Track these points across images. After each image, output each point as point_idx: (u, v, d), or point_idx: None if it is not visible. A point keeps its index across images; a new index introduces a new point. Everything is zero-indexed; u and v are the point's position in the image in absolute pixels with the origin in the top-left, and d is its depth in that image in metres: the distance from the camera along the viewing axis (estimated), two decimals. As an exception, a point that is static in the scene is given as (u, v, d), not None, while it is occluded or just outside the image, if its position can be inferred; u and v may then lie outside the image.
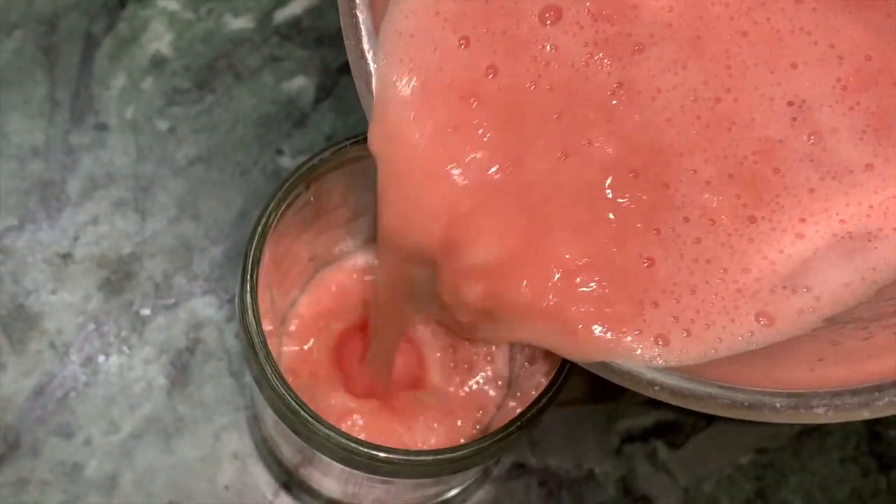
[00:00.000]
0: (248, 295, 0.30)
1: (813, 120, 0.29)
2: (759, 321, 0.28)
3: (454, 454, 0.30)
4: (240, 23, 0.47)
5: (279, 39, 0.47)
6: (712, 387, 0.27)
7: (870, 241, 0.28)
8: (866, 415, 0.25)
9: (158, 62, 0.47)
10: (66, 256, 0.44)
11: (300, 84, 0.47)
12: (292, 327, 0.36)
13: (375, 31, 0.29)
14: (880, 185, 0.28)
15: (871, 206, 0.28)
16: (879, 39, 0.29)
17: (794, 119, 0.29)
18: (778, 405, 0.26)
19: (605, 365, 0.28)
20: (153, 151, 0.46)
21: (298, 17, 0.48)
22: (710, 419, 0.44)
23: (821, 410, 0.26)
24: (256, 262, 0.30)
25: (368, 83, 0.29)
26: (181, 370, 0.43)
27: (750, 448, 0.44)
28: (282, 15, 0.48)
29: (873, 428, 0.44)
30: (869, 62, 0.29)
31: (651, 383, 0.27)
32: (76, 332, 0.43)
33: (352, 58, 0.30)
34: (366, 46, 0.29)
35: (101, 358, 0.43)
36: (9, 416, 0.42)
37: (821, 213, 0.28)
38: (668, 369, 0.28)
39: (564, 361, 0.31)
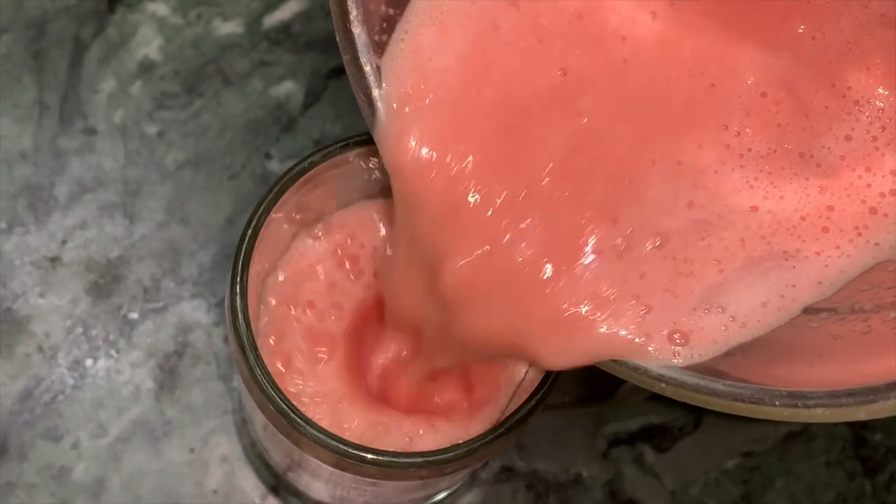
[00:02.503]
0: (238, 298, 0.30)
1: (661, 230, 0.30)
2: (672, 338, 0.29)
3: (442, 456, 0.30)
4: (229, 28, 0.48)
5: (268, 44, 0.47)
6: (717, 383, 0.27)
7: (786, 260, 0.29)
8: (863, 416, 0.26)
9: (147, 67, 0.47)
10: (55, 260, 0.44)
11: (289, 89, 0.47)
12: (274, 291, 0.35)
13: (371, 44, 0.30)
14: (771, 220, 0.29)
15: (763, 237, 0.29)
16: (793, 70, 0.30)
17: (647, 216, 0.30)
18: (778, 403, 0.26)
19: (615, 361, 0.29)
20: (141, 155, 0.46)
21: (287, 22, 0.48)
22: (697, 423, 0.44)
23: (819, 411, 0.26)
24: (246, 266, 0.30)
25: (368, 95, 0.30)
26: (169, 374, 0.43)
27: (736, 452, 0.44)
28: (271, 20, 0.48)
29: (859, 432, 0.45)
30: (764, 99, 0.30)
31: (659, 379, 0.28)
32: (64, 336, 0.43)
33: (350, 71, 0.30)
34: (363, 60, 0.30)
35: (89, 361, 0.43)
36: (-4, 419, 0.42)
37: (701, 264, 0.29)
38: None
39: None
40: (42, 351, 0.43)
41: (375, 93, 0.30)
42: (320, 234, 0.34)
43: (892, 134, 0.30)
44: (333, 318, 0.34)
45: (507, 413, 0.31)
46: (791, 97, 0.30)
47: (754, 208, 0.30)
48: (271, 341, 0.33)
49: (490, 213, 0.29)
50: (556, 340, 0.29)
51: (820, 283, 0.29)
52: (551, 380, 0.31)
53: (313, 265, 0.34)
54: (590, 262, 0.29)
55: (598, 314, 0.29)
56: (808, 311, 0.29)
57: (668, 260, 0.29)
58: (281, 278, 0.34)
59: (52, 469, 0.42)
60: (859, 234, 0.30)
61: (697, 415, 0.44)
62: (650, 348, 0.28)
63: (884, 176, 0.30)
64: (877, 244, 0.29)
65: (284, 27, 0.48)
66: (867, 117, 0.31)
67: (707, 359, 0.29)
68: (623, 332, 0.29)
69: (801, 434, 0.44)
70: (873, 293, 0.29)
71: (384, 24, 0.30)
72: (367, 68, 0.30)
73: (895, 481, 0.44)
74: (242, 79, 0.47)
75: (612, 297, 0.29)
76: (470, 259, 0.29)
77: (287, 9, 0.48)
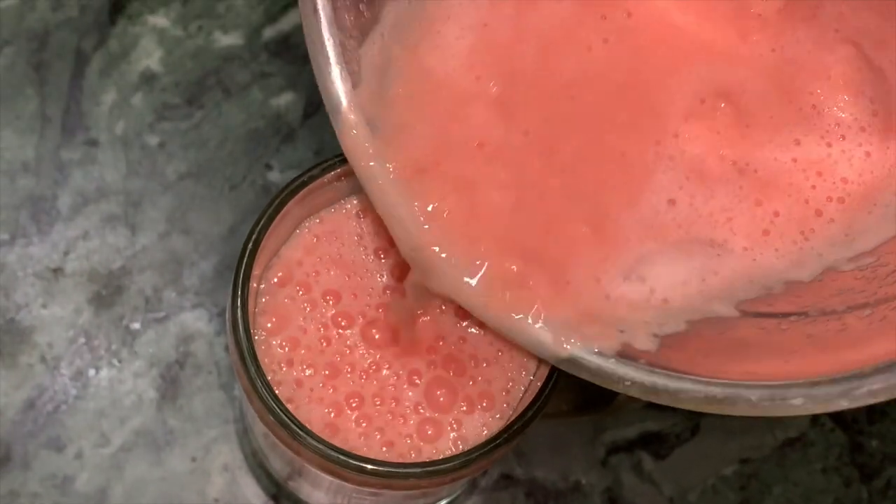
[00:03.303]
0: (239, 310, 0.30)
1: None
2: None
3: (441, 466, 0.30)
4: (229, 39, 0.48)
5: (268, 56, 0.48)
6: (685, 381, 0.27)
7: (712, 247, 0.30)
8: (845, 404, 0.25)
9: (148, 78, 0.47)
10: (57, 271, 0.44)
11: (288, 100, 0.47)
12: (274, 278, 0.35)
13: (335, 19, 0.30)
14: (691, 214, 0.31)
15: (679, 225, 0.31)
16: (742, 80, 0.32)
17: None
18: (754, 398, 0.26)
19: (573, 362, 0.29)
20: (143, 166, 0.46)
21: (287, 33, 0.48)
22: (695, 430, 0.44)
23: (798, 401, 0.26)
24: (247, 278, 0.30)
25: (327, 68, 0.30)
26: (171, 383, 0.43)
27: (734, 458, 0.44)
28: (270, 32, 0.48)
29: (855, 439, 0.45)
30: (702, 105, 0.32)
31: (622, 379, 0.28)
32: (67, 346, 0.44)
33: (312, 45, 0.30)
34: (325, 35, 0.30)
35: (92, 371, 0.43)
36: (0, 429, 0.42)
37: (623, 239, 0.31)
38: (629, 361, 0.28)
39: (551, 374, 0.31)
40: (45, 361, 0.43)
41: (335, 71, 0.30)
42: (323, 219, 0.34)
43: (849, 142, 0.31)
44: (338, 296, 0.34)
45: (516, 414, 0.31)
46: (731, 106, 0.32)
47: (672, 202, 0.31)
48: (269, 325, 0.33)
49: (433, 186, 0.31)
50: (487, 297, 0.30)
51: (752, 281, 0.30)
52: (549, 388, 0.31)
53: (316, 244, 0.34)
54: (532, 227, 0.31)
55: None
56: (775, 316, 0.29)
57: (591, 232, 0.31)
58: (282, 259, 0.34)
59: (55, 478, 0.42)
60: (805, 240, 0.30)
61: (695, 422, 0.44)
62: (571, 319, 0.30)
63: (834, 182, 0.31)
64: (820, 255, 0.30)
65: (284, 38, 0.48)
66: (827, 124, 0.31)
67: (644, 343, 0.29)
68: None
69: (798, 440, 0.45)
70: (843, 298, 0.29)
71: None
72: (329, 42, 0.30)
73: (891, 487, 0.45)
74: (243, 90, 0.47)
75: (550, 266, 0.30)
76: (420, 236, 0.31)
77: (286, 21, 0.48)
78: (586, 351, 0.29)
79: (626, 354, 0.29)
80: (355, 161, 0.31)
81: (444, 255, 0.30)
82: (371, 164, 0.31)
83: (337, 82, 0.31)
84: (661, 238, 0.30)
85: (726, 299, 0.30)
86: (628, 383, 0.28)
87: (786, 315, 0.29)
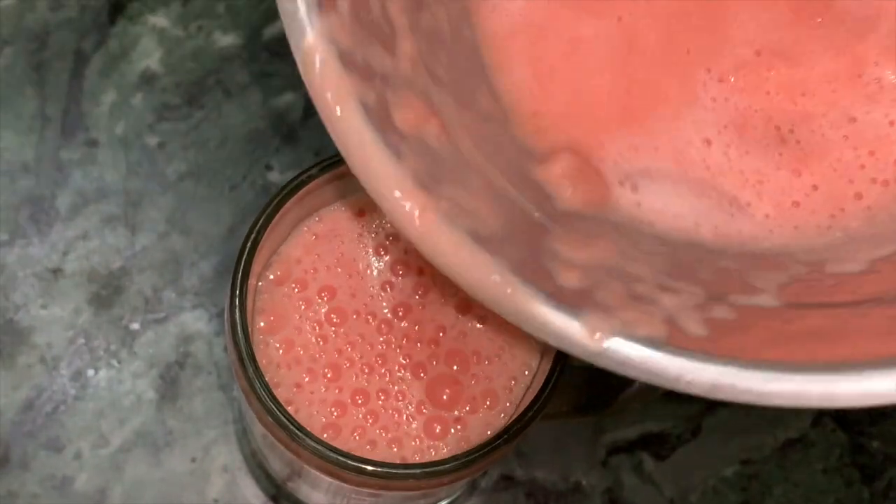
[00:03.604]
0: (237, 311, 0.30)
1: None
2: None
3: (441, 467, 0.30)
4: (229, 39, 0.48)
5: (268, 56, 0.48)
6: (764, 370, 0.22)
7: (731, 204, 0.29)
8: None
9: (148, 78, 0.47)
10: (56, 271, 0.44)
11: (289, 100, 0.47)
12: (272, 275, 0.35)
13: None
14: (723, 163, 0.30)
15: (707, 167, 0.30)
16: (807, 44, 0.30)
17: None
18: (882, 386, 0.21)
19: (611, 355, 0.24)
20: (143, 167, 0.46)
21: (287, 33, 0.48)
22: (696, 431, 0.44)
23: None
24: (245, 278, 0.30)
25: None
26: (170, 384, 0.43)
27: (735, 459, 0.44)
28: (271, 31, 0.48)
29: (856, 439, 0.45)
30: (758, 58, 0.30)
31: (679, 378, 0.23)
32: (66, 347, 0.43)
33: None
34: None
35: (91, 372, 0.43)
36: (-1, 430, 0.42)
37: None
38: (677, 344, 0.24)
39: (551, 375, 0.31)
40: (44, 361, 0.43)
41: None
42: (322, 218, 0.34)
43: None
44: (334, 294, 0.34)
45: (518, 413, 0.31)
46: (789, 70, 0.30)
47: (707, 142, 0.30)
48: (262, 324, 0.33)
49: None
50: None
51: (755, 256, 0.28)
52: (549, 389, 0.31)
53: (315, 242, 0.34)
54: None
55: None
56: (843, 305, 0.26)
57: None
58: (281, 257, 0.34)
59: (54, 479, 0.42)
60: (828, 227, 0.29)
61: (696, 423, 0.44)
62: None
63: (887, 164, 0.29)
64: (838, 249, 0.28)
65: (284, 38, 0.47)
66: (889, 97, 0.30)
67: (693, 327, 0.25)
68: None
69: (799, 441, 0.45)
70: None
71: None
72: None
73: (893, 488, 0.44)
74: (243, 90, 0.47)
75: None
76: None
77: (287, 21, 0.48)
78: (627, 338, 0.24)
79: (676, 343, 0.24)
80: (322, 101, 0.26)
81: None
82: (340, 103, 0.26)
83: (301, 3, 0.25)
84: (683, 167, 0.29)
85: (710, 258, 0.28)
86: (689, 379, 0.23)
87: (857, 303, 0.25)
